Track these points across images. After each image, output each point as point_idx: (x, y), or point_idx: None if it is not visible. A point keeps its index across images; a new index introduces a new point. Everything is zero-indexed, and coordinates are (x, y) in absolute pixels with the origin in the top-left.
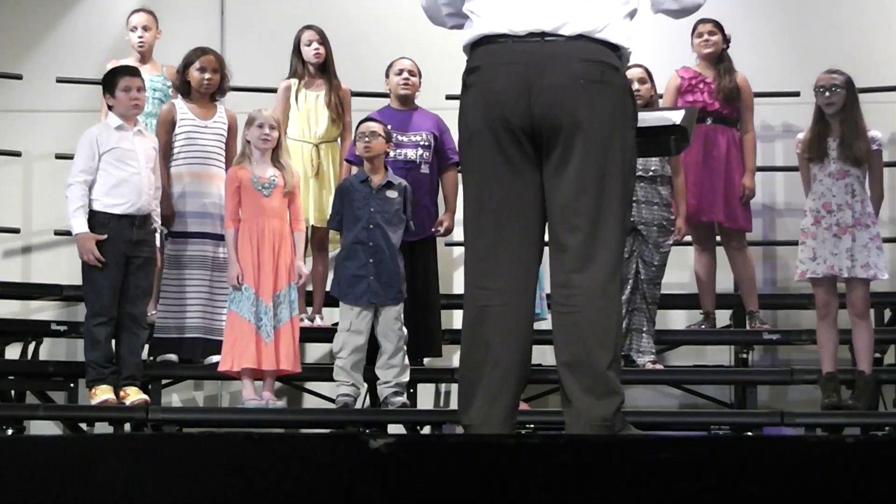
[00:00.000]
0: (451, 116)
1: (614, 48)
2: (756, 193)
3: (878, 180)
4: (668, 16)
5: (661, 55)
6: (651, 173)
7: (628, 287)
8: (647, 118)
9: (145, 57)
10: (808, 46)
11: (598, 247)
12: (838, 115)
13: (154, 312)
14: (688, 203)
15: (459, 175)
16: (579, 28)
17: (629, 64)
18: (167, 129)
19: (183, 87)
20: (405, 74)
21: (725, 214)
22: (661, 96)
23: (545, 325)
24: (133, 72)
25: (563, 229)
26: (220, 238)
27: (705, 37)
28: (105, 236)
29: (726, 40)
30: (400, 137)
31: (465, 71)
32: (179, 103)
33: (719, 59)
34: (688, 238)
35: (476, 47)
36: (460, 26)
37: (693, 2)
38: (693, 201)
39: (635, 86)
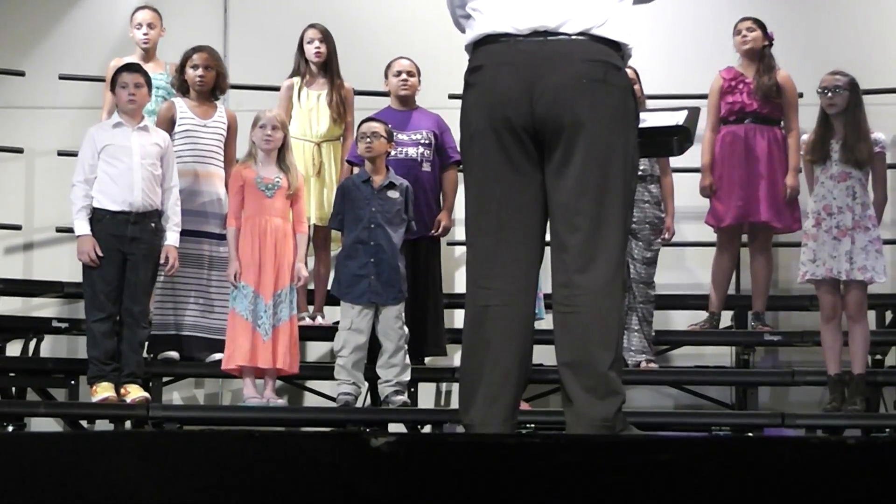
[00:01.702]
0: (454, 115)
1: (616, 47)
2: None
3: (881, 183)
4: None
5: (700, 55)
6: (640, 172)
7: None
8: (649, 118)
9: (149, 54)
10: (812, 48)
11: (600, 247)
12: (841, 116)
13: (153, 310)
14: (733, 205)
15: (460, 174)
16: (581, 25)
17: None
18: (167, 127)
19: (181, 85)
20: (403, 76)
21: (773, 214)
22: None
23: (546, 325)
24: (132, 68)
25: (564, 229)
26: (218, 237)
27: (743, 33)
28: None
29: (768, 38)
30: (400, 136)
31: (466, 70)
32: (179, 102)
33: (760, 57)
34: (689, 238)
35: (478, 46)
36: None
37: None
38: (739, 202)
39: (636, 85)
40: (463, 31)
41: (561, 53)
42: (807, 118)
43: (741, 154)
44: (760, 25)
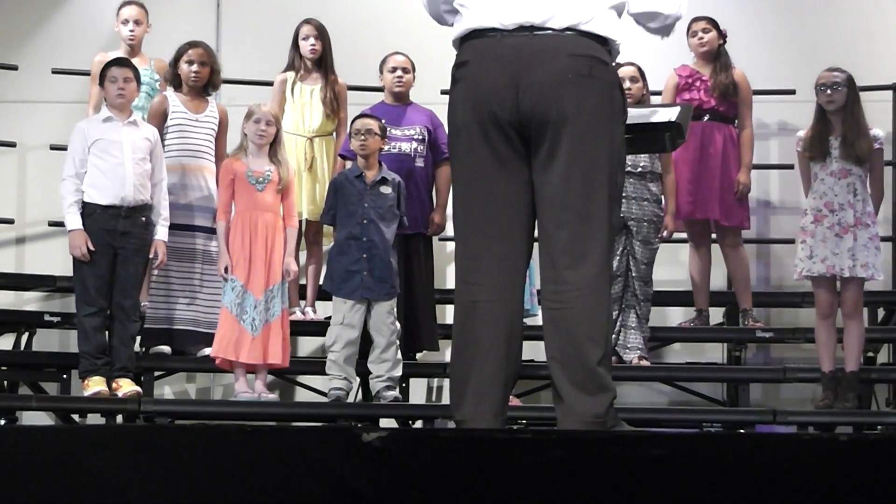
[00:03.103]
0: (446, 111)
1: (603, 42)
2: (752, 190)
3: (879, 179)
4: (652, 34)
5: (662, 53)
6: (640, 169)
7: (619, 283)
8: (642, 115)
9: (134, 50)
10: (803, 44)
11: (587, 242)
12: (839, 113)
13: (145, 304)
14: (684, 200)
15: None
16: (567, 20)
17: (622, 62)
18: (159, 121)
19: (174, 80)
20: (398, 72)
21: (722, 212)
22: (654, 94)
23: (537, 320)
24: (122, 62)
25: (551, 225)
26: (209, 231)
27: (699, 35)
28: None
29: (722, 36)
30: (394, 131)
31: (454, 65)
32: (171, 96)
33: (716, 56)
34: (684, 234)
35: (465, 41)
36: None
37: (673, 17)
38: (689, 198)
39: (627, 84)
40: (443, 23)
41: (547, 48)
42: (800, 114)
43: (695, 151)
44: (715, 25)
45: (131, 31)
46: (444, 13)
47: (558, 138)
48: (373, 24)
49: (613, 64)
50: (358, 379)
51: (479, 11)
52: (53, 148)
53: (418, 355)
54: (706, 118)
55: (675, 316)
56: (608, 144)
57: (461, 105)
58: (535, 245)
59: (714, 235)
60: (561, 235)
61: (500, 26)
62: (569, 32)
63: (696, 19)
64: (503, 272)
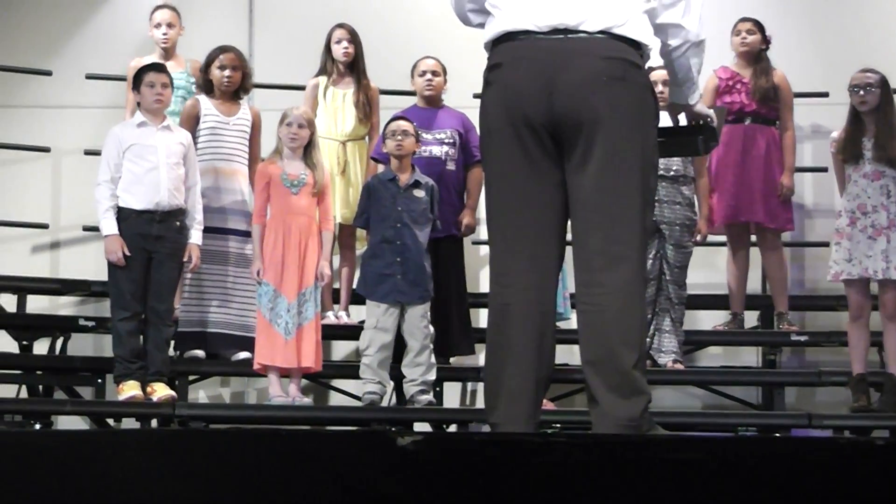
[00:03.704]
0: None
1: (636, 45)
2: (807, 192)
3: None
4: (662, 57)
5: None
6: (673, 173)
7: (653, 287)
8: (675, 117)
9: (169, 53)
10: (837, 46)
11: (621, 245)
12: (872, 114)
13: (179, 308)
14: (727, 204)
15: None
16: (601, 24)
17: (654, 66)
18: (191, 125)
19: (206, 84)
20: (428, 75)
21: (765, 214)
22: None
23: (570, 324)
24: (159, 68)
25: (584, 227)
26: (243, 234)
27: (743, 35)
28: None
29: (766, 40)
30: (425, 135)
31: (486, 68)
32: (203, 99)
33: (757, 59)
34: (719, 238)
35: (497, 44)
36: (484, 25)
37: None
38: (732, 202)
39: (659, 87)
40: (467, 23)
41: (581, 50)
42: (834, 117)
43: (738, 154)
44: (760, 28)
45: (164, 34)
46: (468, 12)
47: (591, 140)
48: (405, 28)
49: (646, 67)
50: (392, 383)
51: (513, 14)
52: (87, 153)
53: (452, 359)
54: (748, 121)
55: (709, 319)
56: (641, 147)
57: (493, 107)
58: (569, 248)
59: (753, 238)
60: (594, 238)
61: (535, 28)
62: (602, 35)
63: (743, 19)
64: (535, 275)
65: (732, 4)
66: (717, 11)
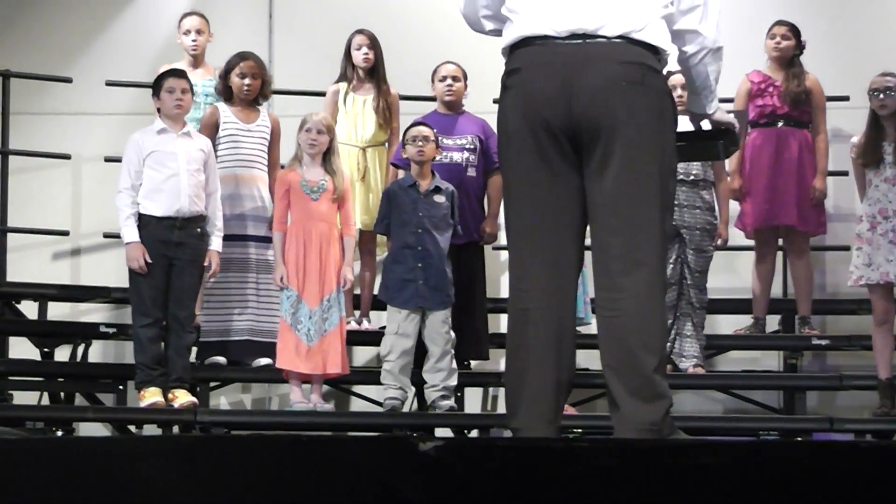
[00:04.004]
0: None
1: (654, 50)
2: (828, 196)
3: None
4: (679, 63)
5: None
6: (692, 177)
7: (673, 291)
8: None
9: (198, 60)
10: (857, 51)
11: (641, 250)
12: (892, 118)
13: (199, 315)
14: (760, 208)
15: None
16: (619, 29)
17: (672, 70)
18: (210, 132)
19: (225, 91)
20: (448, 81)
21: (798, 217)
22: (724, 101)
23: (591, 329)
24: (178, 73)
25: (603, 232)
26: (263, 240)
27: (777, 39)
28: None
29: (800, 45)
30: (445, 141)
31: (504, 73)
32: (223, 107)
33: (789, 63)
34: (740, 242)
35: (515, 49)
36: (497, 32)
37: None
38: (765, 206)
39: (678, 92)
40: (479, 29)
41: (599, 55)
42: (853, 121)
43: (770, 157)
44: (796, 34)
45: (194, 41)
46: (482, 18)
47: (610, 145)
48: (425, 34)
49: (665, 72)
50: (413, 388)
51: (531, 19)
52: (108, 160)
53: (473, 364)
54: (780, 124)
55: (729, 324)
56: (660, 152)
57: (512, 112)
58: (588, 253)
59: (780, 242)
60: (614, 243)
61: (553, 34)
62: (621, 40)
63: (779, 22)
64: (554, 279)
65: (754, 7)
66: (730, 15)
